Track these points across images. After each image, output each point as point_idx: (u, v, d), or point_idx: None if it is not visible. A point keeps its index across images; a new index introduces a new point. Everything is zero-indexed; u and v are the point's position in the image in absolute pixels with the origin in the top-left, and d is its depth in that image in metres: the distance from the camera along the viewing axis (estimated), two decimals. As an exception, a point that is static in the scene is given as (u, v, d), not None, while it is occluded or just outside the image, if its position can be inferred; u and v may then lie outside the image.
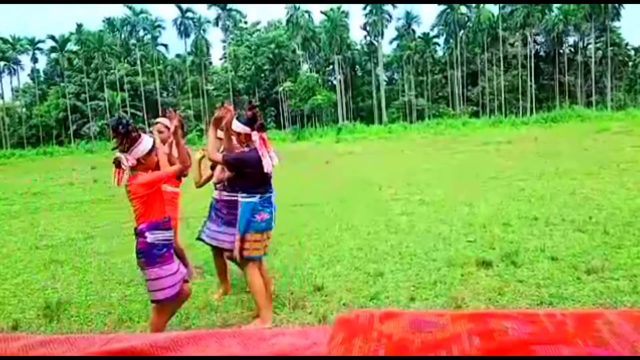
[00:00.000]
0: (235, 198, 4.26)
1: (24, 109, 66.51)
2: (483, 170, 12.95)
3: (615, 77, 63.54)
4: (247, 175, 3.88)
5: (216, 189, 4.64)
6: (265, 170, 3.83)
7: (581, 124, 32.79)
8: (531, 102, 60.44)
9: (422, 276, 4.70)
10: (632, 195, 7.98)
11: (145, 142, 3.28)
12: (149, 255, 3.22)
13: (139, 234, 3.24)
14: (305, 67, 68.70)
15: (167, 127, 4.82)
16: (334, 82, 69.12)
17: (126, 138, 3.22)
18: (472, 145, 22.04)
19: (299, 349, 1.11)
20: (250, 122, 3.86)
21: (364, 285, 4.58)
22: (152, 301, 3.37)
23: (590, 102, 58.28)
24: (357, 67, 72.62)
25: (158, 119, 5.15)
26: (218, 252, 4.67)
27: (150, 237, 3.21)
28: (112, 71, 62.26)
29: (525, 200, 8.19)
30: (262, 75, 68.19)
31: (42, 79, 68.74)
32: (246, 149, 3.90)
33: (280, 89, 63.21)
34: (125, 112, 60.97)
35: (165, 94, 68.00)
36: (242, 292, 4.63)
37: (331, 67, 70.07)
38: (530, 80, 61.57)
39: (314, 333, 1.21)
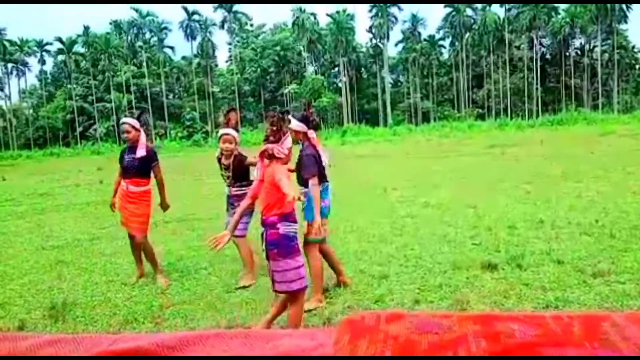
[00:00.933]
0: (244, 192, 4.80)
1: (31, 111, 66.92)
2: (488, 172, 12.91)
3: (622, 79, 63.20)
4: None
5: (227, 185, 5.05)
6: (324, 163, 4.26)
7: (587, 127, 32.66)
8: (537, 105, 60.23)
9: (427, 279, 4.69)
10: (638, 199, 7.94)
11: (289, 135, 3.45)
12: (282, 246, 3.24)
13: (270, 225, 3.25)
14: (310, 69, 68.78)
15: (134, 127, 4.99)
16: (339, 84, 69.13)
17: (283, 128, 3.37)
18: (478, 148, 21.98)
19: (305, 350, 1.11)
20: (307, 121, 4.22)
21: (368, 287, 4.57)
22: (287, 292, 3.37)
23: (596, 105, 58.01)
24: (363, 69, 72.58)
25: (123, 119, 5.21)
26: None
27: (282, 228, 3.25)
28: (118, 73, 62.55)
29: (531, 203, 8.15)
30: (268, 77, 68.31)
31: (49, 80, 69.16)
32: (301, 146, 4.25)
33: (286, 91, 63.30)
34: (132, 114, 61.08)
35: (171, 96, 68.21)
36: (246, 292, 4.64)
37: (336, 69, 70.09)
38: (536, 83, 61.36)
39: (320, 334, 1.21)
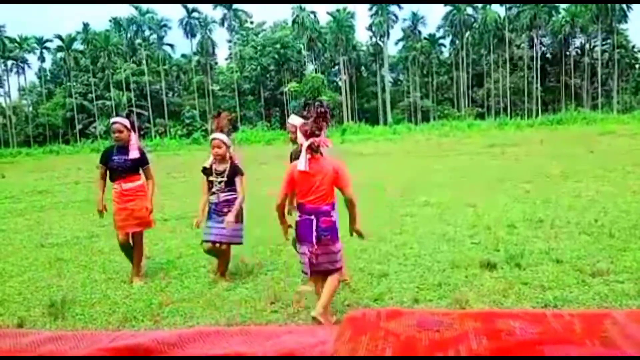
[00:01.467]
0: (233, 196, 4.82)
1: (30, 108, 66.81)
2: (488, 172, 12.91)
3: (622, 79, 63.17)
4: None
5: (214, 192, 4.86)
6: None
7: (587, 127, 32.66)
8: (537, 104, 60.23)
9: (426, 277, 4.69)
10: (637, 199, 7.94)
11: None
12: (335, 232, 3.58)
13: (324, 213, 3.53)
14: (310, 67, 68.68)
15: (126, 127, 4.96)
16: (339, 82, 69.05)
17: (326, 121, 3.56)
18: (477, 147, 21.97)
19: (305, 347, 1.11)
20: None
21: (367, 286, 4.57)
22: (335, 270, 3.65)
23: (596, 105, 58.00)
24: (363, 68, 72.49)
25: (114, 119, 5.17)
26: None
27: (334, 215, 3.60)
28: (118, 71, 62.43)
29: (531, 203, 8.15)
30: (268, 75, 68.20)
31: (48, 77, 69.02)
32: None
33: (286, 89, 63.19)
34: (132, 111, 61.17)
35: (170, 94, 68.10)
36: (245, 290, 4.63)
37: (336, 67, 70.03)
38: (536, 82, 61.34)
39: (321, 331, 1.21)
